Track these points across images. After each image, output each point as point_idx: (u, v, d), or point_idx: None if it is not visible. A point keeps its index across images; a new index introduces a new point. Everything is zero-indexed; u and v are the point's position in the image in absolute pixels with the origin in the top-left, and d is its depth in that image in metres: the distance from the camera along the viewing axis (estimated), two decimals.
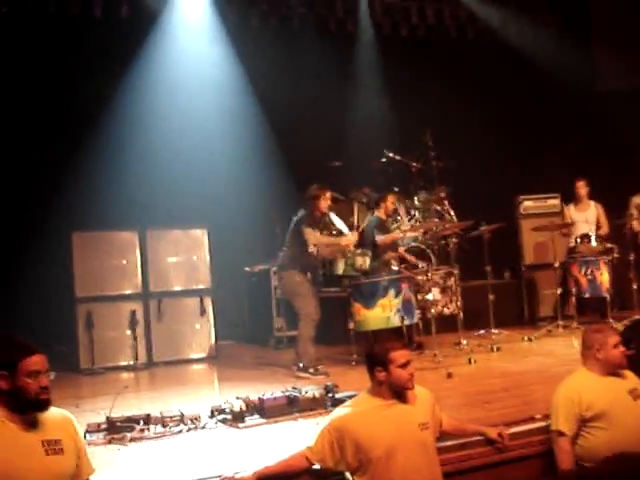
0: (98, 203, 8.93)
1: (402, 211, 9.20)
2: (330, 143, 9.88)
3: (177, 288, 8.78)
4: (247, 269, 9.91)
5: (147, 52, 9.36)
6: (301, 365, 7.17)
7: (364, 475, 3.87)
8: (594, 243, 8.84)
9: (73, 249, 8.32)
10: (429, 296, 7.97)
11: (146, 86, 9.25)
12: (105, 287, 8.45)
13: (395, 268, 7.81)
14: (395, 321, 7.29)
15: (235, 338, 9.86)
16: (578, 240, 8.92)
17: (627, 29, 11.15)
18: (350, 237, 7.60)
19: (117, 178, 8.99)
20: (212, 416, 5.45)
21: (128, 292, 8.56)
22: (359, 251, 7.74)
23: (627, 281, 8.89)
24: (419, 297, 7.90)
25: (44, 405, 3.40)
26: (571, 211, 9.43)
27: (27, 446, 3.33)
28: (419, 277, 7.97)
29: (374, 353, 4.03)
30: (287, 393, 5.50)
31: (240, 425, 5.24)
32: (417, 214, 9.17)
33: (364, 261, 7.66)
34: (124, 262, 8.58)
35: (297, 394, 5.47)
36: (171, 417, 5.27)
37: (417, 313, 7.69)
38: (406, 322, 7.34)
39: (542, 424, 4.69)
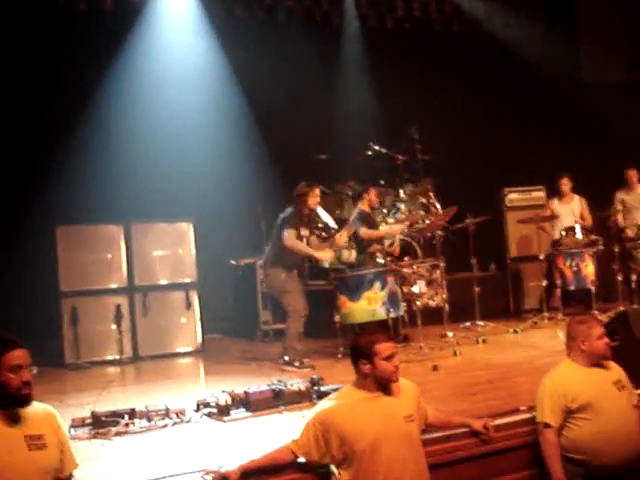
0: (82, 197, 8.91)
1: (386, 211, 9.17)
2: (316, 136, 9.83)
3: (163, 282, 8.73)
4: (233, 262, 9.87)
5: (131, 45, 9.33)
6: (287, 358, 7.16)
7: (349, 468, 3.85)
8: (579, 235, 8.86)
9: (57, 243, 8.24)
10: (415, 288, 7.97)
11: (130, 79, 9.22)
12: (90, 281, 8.38)
13: (381, 261, 7.79)
14: (381, 314, 7.30)
15: (221, 331, 9.82)
16: (563, 233, 8.94)
17: (613, 21, 11.20)
18: (324, 254, 7.53)
19: (101, 171, 8.97)
20: (197, 410, 5.44)
21: (113, 286, 8.50)
22: (345, 244, 7.72)
23: (612, 273, 8.93)
24: (405, 289, 7.89)
25: (26, 400, 3.38)
26: (555, 205, 9.45)
27: (10, 441, 3.31)
28: (405, 270, 7.97)
29: (359, 345, 4.01)
30: (273, 386, 5.49)
31: (225, 419, 5.24)
32: (403, 207, 9.16)
33: (350, 254, 7.66)
34: (109, 256, 8.52)
35: (282, 387, 5.46)
36: (156, 411, 5.26)
37: (403, 306, 7.71)
38: (392, 315, 7.36)
39: (527, 416, 4.71)
